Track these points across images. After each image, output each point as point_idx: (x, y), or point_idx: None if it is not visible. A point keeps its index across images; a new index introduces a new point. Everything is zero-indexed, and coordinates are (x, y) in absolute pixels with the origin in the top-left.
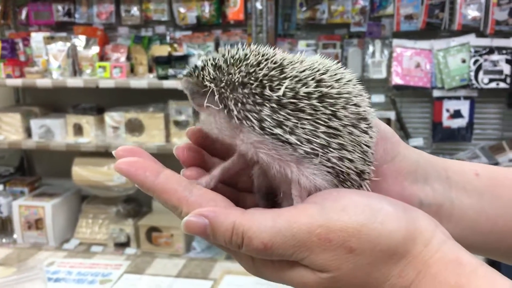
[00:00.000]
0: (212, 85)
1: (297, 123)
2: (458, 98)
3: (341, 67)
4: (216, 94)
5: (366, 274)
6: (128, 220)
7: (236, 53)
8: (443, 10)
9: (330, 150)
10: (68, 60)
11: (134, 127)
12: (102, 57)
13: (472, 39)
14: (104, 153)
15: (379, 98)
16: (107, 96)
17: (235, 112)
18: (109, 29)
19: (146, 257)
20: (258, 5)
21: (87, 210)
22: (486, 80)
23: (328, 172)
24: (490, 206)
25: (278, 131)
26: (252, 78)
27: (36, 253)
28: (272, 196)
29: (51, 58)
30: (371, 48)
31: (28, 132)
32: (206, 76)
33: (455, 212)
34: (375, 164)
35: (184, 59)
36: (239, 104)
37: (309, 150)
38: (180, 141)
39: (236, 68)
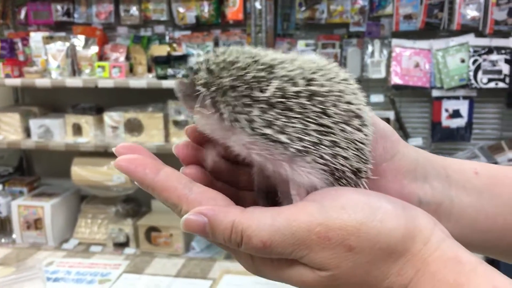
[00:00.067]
0: (204, 89)
1: (286, 122)
2: (457, 98)
3: (336, 66)
4: (207, 98)
5: (365, 273)
6: (127, 220)
7: (229, 56)
8: (442, 10)
9: (322, 147)
10: (67, 60)
11: (133, 127)
12: (101, 57)
13: (471, 39)
14: (103, 153)
15: (378, 98)
16: (106, 96)
17: (226, 115)
18: (108, 29)
19: (145, 257)
20: (257, 5)
21: (86, 210)
22: (485, 80)
23: (323, 170)
24: (489, 205)
25: (268, 131)
26: (241, 81)
27: (35, 253)
28: (272, 195)
29: (50, 58)
30: (370, 48)
31: (27, 132)
32: (198, 80)
33: (454, 210)
34: (374, 163)
35: (183, 59)
36: (230, 107)
37: (300, 148)
38: (179, 140)
39: (227, 72)
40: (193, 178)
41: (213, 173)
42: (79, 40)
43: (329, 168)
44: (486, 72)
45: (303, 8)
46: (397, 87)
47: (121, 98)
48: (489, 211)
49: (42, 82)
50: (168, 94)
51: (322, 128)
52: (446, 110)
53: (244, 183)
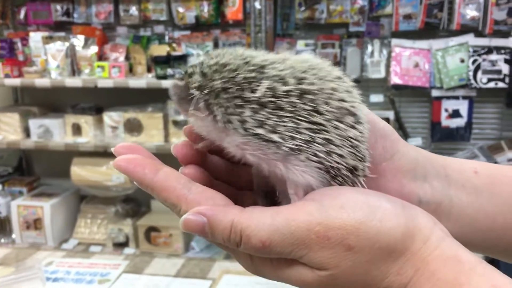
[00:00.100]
0: (197, 92)
1: (278, 121)
2: (456, 97)
3: (329, 65)
4: (201, 101)
5: (365, 272)
6: (126, 220)
7: (221, 59)
8: (442, 9)
9: (315, 145)
10: (66, 59)
11: (133, 127)
12: (101, 56)
13: (470, 39)
14: (102, 153)
15: (377, 97)
16: (106, 96)
17: (219, 117)
18: (108, 29)
19: (144, 257)
20: (257, 5)
21: (86, 210)
22: (484, 80)
23: (318, 168)
24: (489, 204)
25: (260, 131)
26: (233, 83)
27: (34, 253)
28: (271, 194)
29: (49, 57)
30: (369, 48)
31: (27, 132)
32: (192, 84)
33: (454, 210)
34: (373, 162)
35: (183, 58)
36: (222, 109)
37: (293, 146)
38: (179, 140)
39: (219, 74)
40: (192, 178)
41: (212, 173)
42: (78, 40)
43: (324, 166)
44: (485, 72)
45: (303, 8)
46: (396, 87)
47: (121, 98)
48: (488, 210)
49: (41, 82)
50: (168, 94)
51: (314, 126)
52: (446, 110)
53: (243, 183)
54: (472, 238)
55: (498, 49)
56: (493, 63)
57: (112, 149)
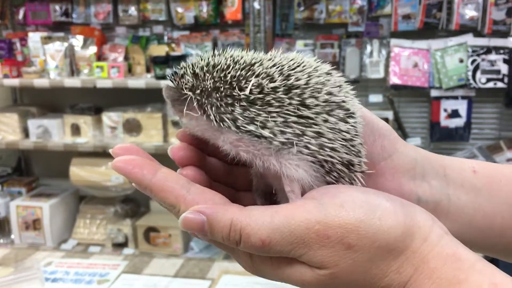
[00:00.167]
0: (190, 93)
1: (267, 117)
2: (455, 97)
3: (318, 61)
4: (194, 101)
5: (365, 271)
6: (126, 220)
7: (212, 60)
8: (441, 9)
9: (306, 138)
10: (65, 60)
11: (132, 127)
12: (100, 57)
13: (469, 39)
14: (101, 153)
15: (376, 98)
16: (105, 96)
17: (212, 116)
18: (107, 29)
19: (144, 257)
20: (256, 5)
21: (85, 210)
22: (483, 80)
23: (311, 161)
24: (487, 203)
25: (251, 127)
26: (223, 82)
27: (33, 253)
28: (270, 194)
29: (48, 58)
30: (369, 48)
31: (26, 132)
32: (185, 84)
33: (452, 209)
34: (372, 161)
35: (182, 59)
36: (214, 108)
37: (284, 140)
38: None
39: (209, 74)
40: (191, 179)
41: (210, 175)
42: (77, 40)
43: (317, 159)
44: (484, 72)
45: (302, 8)
46: (395, 87)
47: (120, 98)
48: (486, 210)
49: (40, 82)
50: None
51: (302, 120)
52: (445, 110)
53: (241, 184)
54: (470, 237)
55: (497, 49)
56: (492, 63)
57: (110, 151)
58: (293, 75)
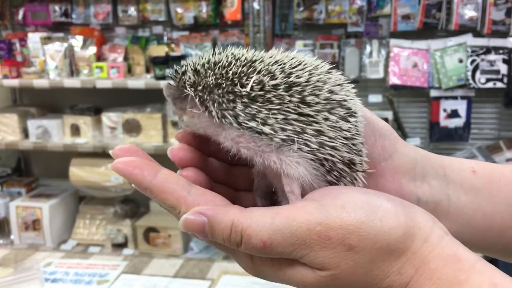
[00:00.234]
0: (192, 89)
1: (268, 114)
2: (455, 98)
3: (319, 61)
4: (196, 98)
5: (366, 272)
6: (125, 221)
7: (213, 57)
8: (440, 10)
9: (306, 136)
10: (65, 60)
11: (132, 128)
12: (99, 57)
13: (469, 39)
14: (101, 154)
15: (376, 98)
16: (105, 97)
17: (214, 112)
18: (106, 30)
19: (143, 257)
20: (256, 5)
21: (85, 210)
22: (483, 80)
23: (312, 160)
24: (486, 203)
25: (252, 124)
26: (224, 78)
27: (33, 254)
28: (271, 195)
29: (48, 58)
30: (368, 48)
31: (25, 133)
32: (186, 82)
33: (452, 209)
34: (373, 162)
35: (182, 59)
36: (216, 104)
37: (284, 137)
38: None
39: (210, 71)
40: (191, 181)
41: (210, 175)
42: (77, 41)
43: (317, 157)
44: (484, 72)
45: (301, 9)
46: (395, 87)
47: (119, 98)
48: (486, 210)
49: (40, 82)
50: None
51: (302, 118)
52: (444, 110)
53: (241, 184)
54: (470, 237)
55: (496, 49)
56: (492, 63)
57: (110, 152)
58: (294, 73)
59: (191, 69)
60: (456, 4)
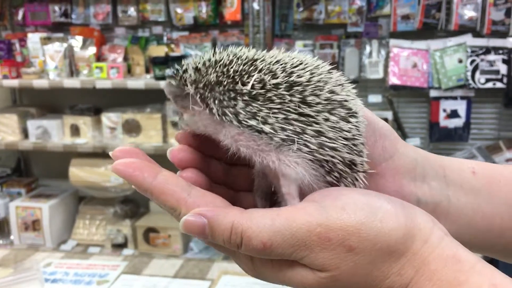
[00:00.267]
0: (193, 87)
1: (268, 113)
2: (455, 98)
3: (320, 61)
4: (197, 95)
5: (366, 273)
6: (125, 221)
7: (214, 56)
8: (440, 10)
9: (306, 136)
10: (65, 60)
11: (131, 128)
12: (99, 57)
13: (468, 39)
14: (101, 154)
15: (376, 98)
16: (104, 97)
17: (215, 110)
18: (106, 30)
19: (143, 257)
20: (255, 6)
21: (84, 211)
22: (482, 80)
23: (311, 160)
24: (486, 204)
25: (252, 122)
26: (225, 76)
27: (33, 254)
28: (271, 195)
29: (47, 58)
30: (368, 48)
31: (25, 133)
32: (187, 80)
33: (452, 210)
34: (373, 162)
35: (181, 59)
36: (217, 102)
37: (284, 137)
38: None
39: (212, 69)
40: (191, 182)
41: (210, 176)
42: (77, 41)
43: (317, 158)
44: (483, 72)
45: (301, 9)
46: (395, 87)
47: (119, 99)
48: (486, 211)
49: (39, 83)
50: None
51: (303, 118)
52: (444, 110)
53: (241, 184)
54: (470, 238)
55: (496, 50)
56: (491, 63)
57: (110, 153)
58: (295, 73)
59: (192, 67)
60: (456, 4)
